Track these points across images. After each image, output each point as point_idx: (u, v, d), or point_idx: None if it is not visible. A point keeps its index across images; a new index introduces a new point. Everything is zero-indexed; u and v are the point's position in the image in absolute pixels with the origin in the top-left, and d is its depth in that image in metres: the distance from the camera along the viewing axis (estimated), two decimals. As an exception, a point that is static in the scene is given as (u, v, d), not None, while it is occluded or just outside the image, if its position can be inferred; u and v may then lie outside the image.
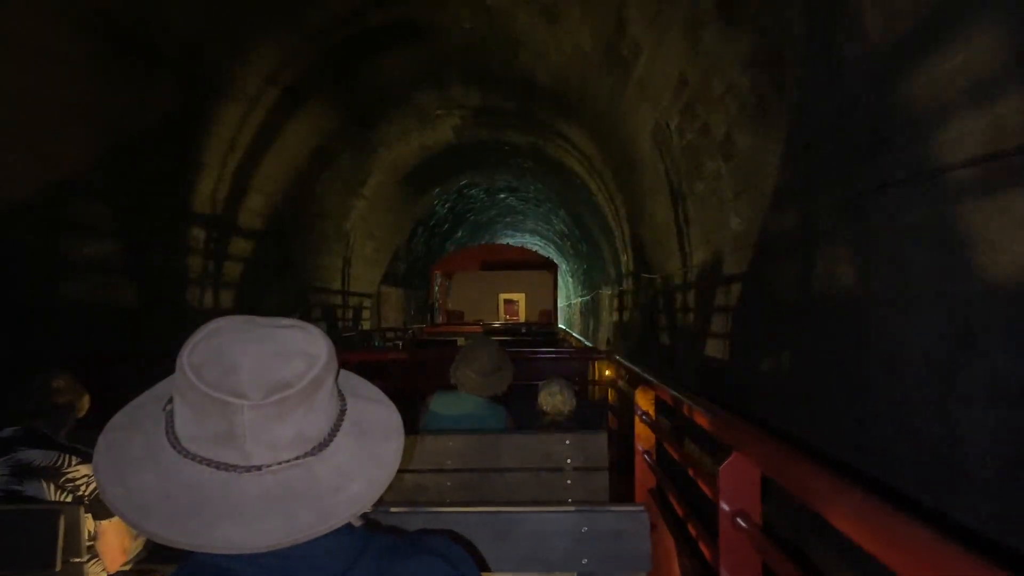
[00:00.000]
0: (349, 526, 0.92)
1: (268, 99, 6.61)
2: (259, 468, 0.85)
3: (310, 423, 0.89)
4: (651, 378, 2.82)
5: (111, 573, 2.46)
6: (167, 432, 0.89)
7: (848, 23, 2.86)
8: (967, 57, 2.22)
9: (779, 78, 3.62)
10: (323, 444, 0.91)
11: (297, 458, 0.88)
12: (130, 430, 0.92)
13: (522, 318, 19.92)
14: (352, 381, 1.08)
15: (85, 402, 2.73)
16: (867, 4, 2.71)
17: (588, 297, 15.12)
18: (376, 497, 0.92)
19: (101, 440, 0.91)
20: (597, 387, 6.19)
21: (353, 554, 0.91)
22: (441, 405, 3.33)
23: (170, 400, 0.91)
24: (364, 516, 0.94)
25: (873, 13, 2.68)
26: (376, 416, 1.01)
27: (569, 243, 17.39)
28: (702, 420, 2.02)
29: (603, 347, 11.15)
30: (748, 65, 3.90)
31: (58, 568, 2.19)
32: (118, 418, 0.96)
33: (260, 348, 0.88)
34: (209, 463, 0.85)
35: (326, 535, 0.87)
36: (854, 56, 2.88)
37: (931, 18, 2.39)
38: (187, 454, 0.86)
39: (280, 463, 0.87)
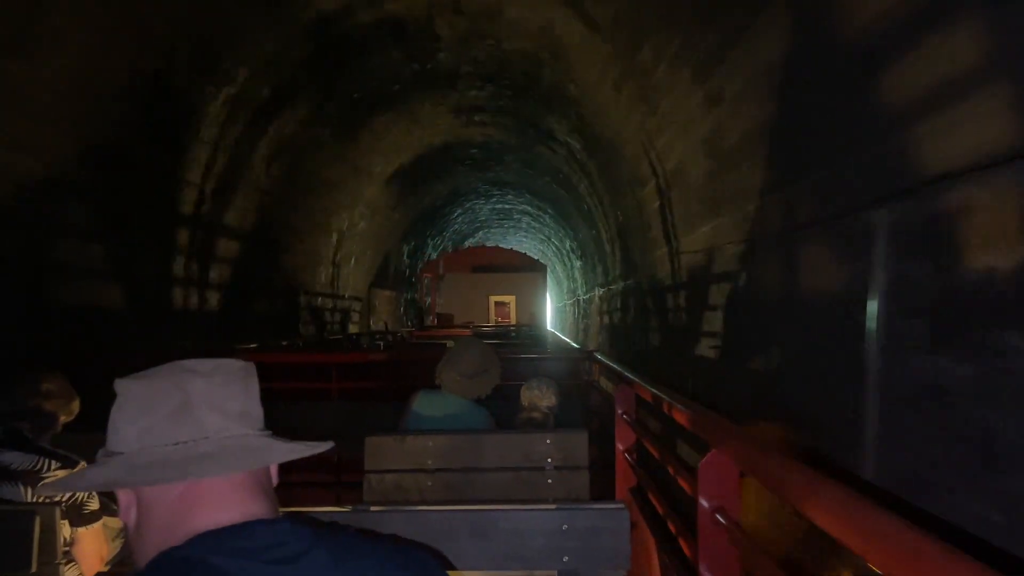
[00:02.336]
0: (307, 518, 0.99)
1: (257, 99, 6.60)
2: (216, 437, 0.95)
3: (251, 407, 1.02)
4: (632, 376, 2.83)
5: None
6: (111, 454, 0.97)
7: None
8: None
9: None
10: (264, 429, 1.03)
11: (246, 434, 0.99)
12: (82, 471, 1.04)
13: (513, 320, 19.95)
14: None
15: (75, 406, 2.69)
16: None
17: (582, 298, 15.15)
18: (328, 447, 1.03)
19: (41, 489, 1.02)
20: (579, 386, 6.20)
21: (308, 544, 0.92)
22: (424, 405, 3.30)
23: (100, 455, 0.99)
24: (337, 517, 0.98)
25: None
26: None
27: (561, 245, 17.42)
28: (681, 418, 2.02)
29: (595, 348, 11.18)
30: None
31: (33, 569, 2.16)
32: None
33: (191, 360, 1.02)
34: (167, 444, 0.93)
35: (284, 521, 0.94)
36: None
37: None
38: (136, 451, 0.94)
39: (230, 435, 0.97)
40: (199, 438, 0.94)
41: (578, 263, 15.29)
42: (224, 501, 0.93)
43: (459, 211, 17.26)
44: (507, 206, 17.04)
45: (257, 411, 1.03)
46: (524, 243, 22.41)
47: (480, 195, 15.78)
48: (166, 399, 0.95)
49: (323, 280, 10.50)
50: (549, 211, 15.05)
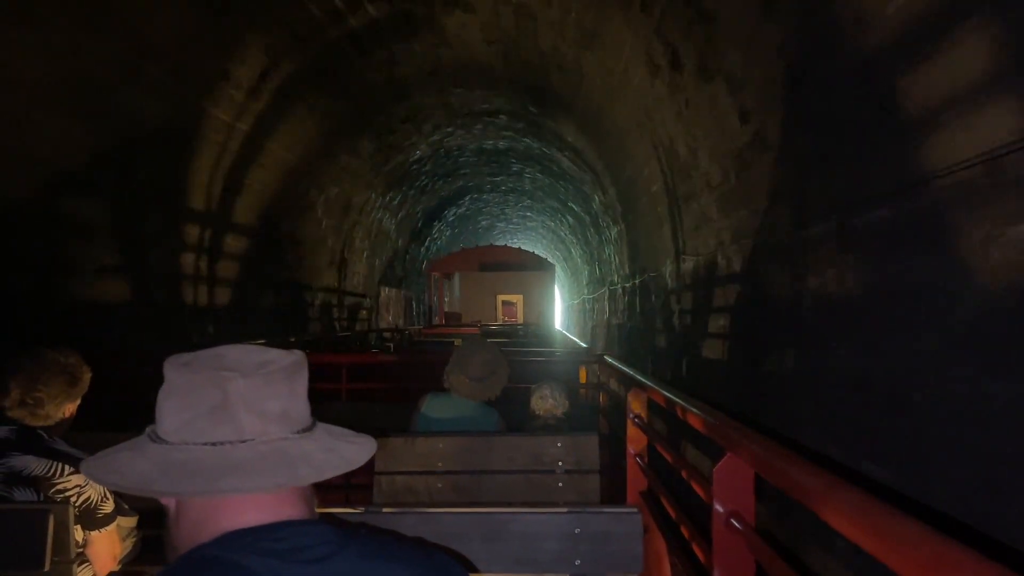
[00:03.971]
0: (335, 519, 0.99)
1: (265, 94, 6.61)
2: (252, 440, 0.93)
3: (294, 406, 0.99)
4: (644, 380, 2.82)
5: None
6: (151, 439, 0.96)
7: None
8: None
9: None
10: (306, 429, 1.00)
11: (283, 436, 0.96)
12: (115, 453, 0.98)
13: (521, 319, 19.93)
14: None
15: (83, 382, 2.50)
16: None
17: (590, 298, 15.13)
18: (365, 459, 1.02)
19: (84, 467, 0.98)
20: (589, 389, 6.19)
21: (337, 545, 0.93)
22: (433, 408, 3.30)
23: (144, 432, 0.98)
24: (349, 518, 0.97)
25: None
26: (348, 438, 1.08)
27: (569, 244, 17.40)
28: (696, 422, 2.02)
29: (603, 348, 11.16)
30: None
31: (46, 568, 2.17)
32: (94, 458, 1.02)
33: (240, 348, 1.01)
34: (204, 443, 0.92)
35: (315, 523, 0.95)
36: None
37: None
38: (176, 443, 0.93)
39: (269, 439, 0.95)
40: (236, 440, 0.93)
41: (586, 263, 15.29)
42: (257, 501, 0.94)
43: (468, 209, 17.28)
44: (516, 204, 17.05)
45: (300, 409, 1.00)
46: (532, 242, 22.43)
47: (489, 193, 15.79)
48: (205, 396, 0.93)
49: (331, 277, 10.51)
50: (557, 209, 15.05)
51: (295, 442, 0.97)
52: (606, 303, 11.44)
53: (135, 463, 0.93)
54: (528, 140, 10.56)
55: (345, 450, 1.01)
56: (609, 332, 11.22)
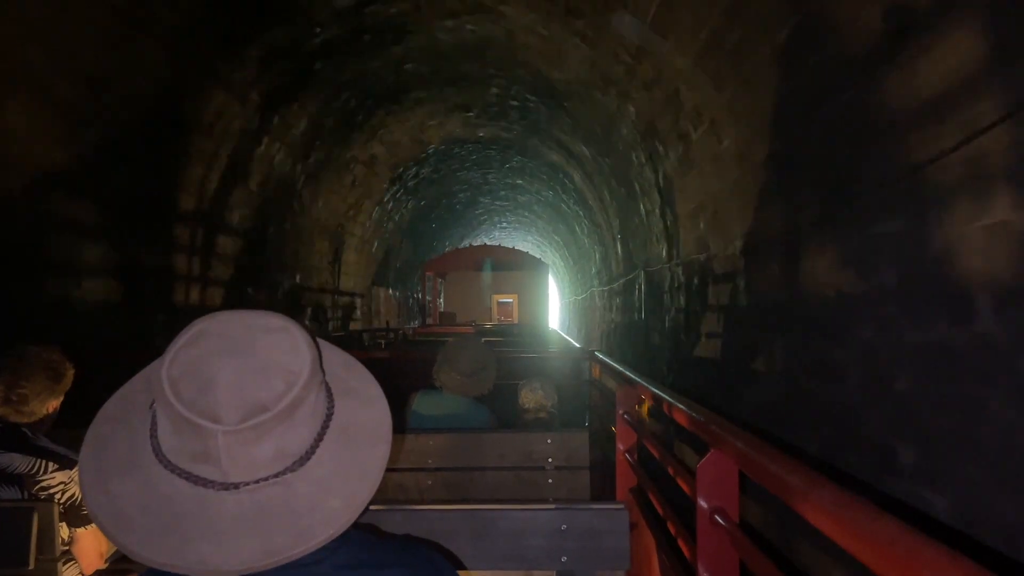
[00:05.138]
0: None
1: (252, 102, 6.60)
2: (236, 486, 0.84)
3: (290, 440, 0.88)
4: (633, 376, 2.82)
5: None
6: (151, 435, 0.88)
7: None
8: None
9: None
10: (304, 458, 0.89)
11: (276, 475, 0.86)
12: (119, 423, 0.92)
13: (516, 319, 19.94)
14: (339, 366, 1.04)
15: (67, 379, 2.49)
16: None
17: (583, 296, 15.14)
18: (354, 517, 0.90)
19: (90, 433, 0.91)
20: (579, 386, 6.18)
21: (325, 551, 0.89)
22: (424, 405, 3.29)
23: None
24: None
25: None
26: (364, 419, 0.98)
27: (565, 243, 17.41)
28: (681, 418, 2.02)
29: (597, 346, 11.16)
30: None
31: (31, 567, 2.16)
32: (110, 406, 0.96)
33: (238, 363, 0.85)
34: (188, 477, 0.85)
35: None
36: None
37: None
38: (167, 465, 0.86)
39: (258, 481, 0.85)
40: (219, 483, 0.84)
41: (578, 261, 15.29)
42: None
43: (463, 209, 17.26)
44: (511, 203, 17.04)
45: (300, 436, 0.89)
46: (527, 242, 22.41)
47: (484, 193, 15.78)
48: (188, 439, 0.84)
49: (325, 277, 10.50)
50: (551, 209, 15.04)
51: (285, 487, 0.87)
52: (604, 299, 11.42)
53: (126, 478, 0.86)
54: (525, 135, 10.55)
55: (346, 485, 0.91)
56: (607, 328, 11.22)
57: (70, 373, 2.52)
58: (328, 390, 0.97)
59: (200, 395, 0.82)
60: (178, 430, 0.83)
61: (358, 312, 12.46)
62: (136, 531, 0.82)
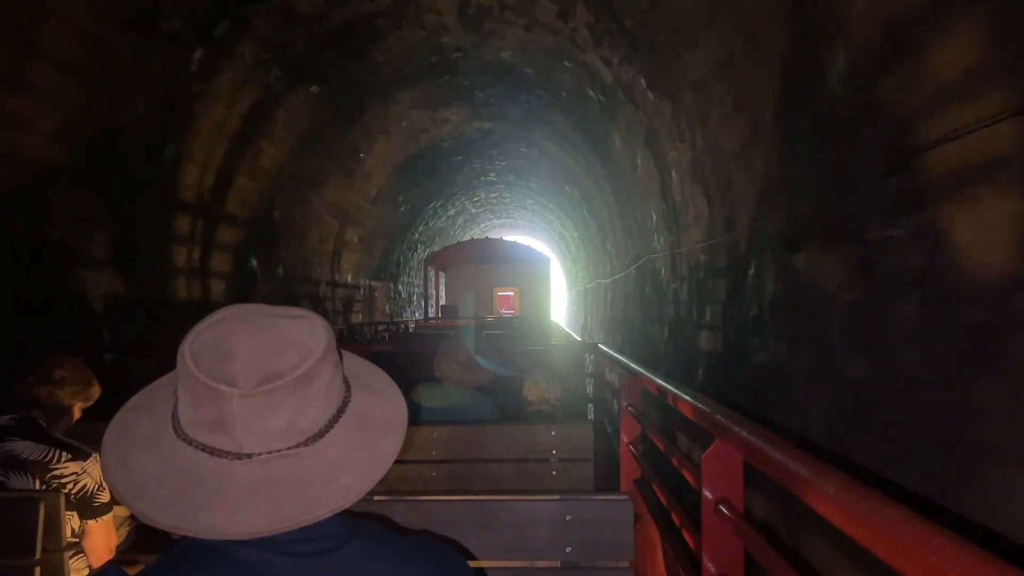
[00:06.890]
0: (348, 513, 0.93)
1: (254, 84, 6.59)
2: (249, 456, 0.87)
3: (304, 414, 0.90)
4: (638, 368, 2.82)
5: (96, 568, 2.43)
6: (173, 414, 0.92)
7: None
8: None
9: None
10: (317, 436, 0.91)
11: (288, 448, 0.89)
12: (143, 411, 0.96)
13: (517, 312, 19.93)
14: (361, 370, 1.08)
15: (93, 392, 2.63)
16: None
17: (586, 288, 15.13)
18: (365, 491, 0.92)
19: (115, 419, 0.95)
20: (583, 378, 6.18)
21: (340, 539, 0.91)
22: (426, 398, 3.30)
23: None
24: (350, 509, 0.93)
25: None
26: (380, 410, 1.01)
27: (567, 235, 17.39)
28: (686, 409, 2.02)
29: (599, 339, 11.15)
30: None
31: (37, 556, 2.16)
32: (137, 398, 1.00)
33: (257, 338, 0.89)
34: (204, 448, 0.88)
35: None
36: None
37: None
38: (185, 438, 0.89)
39: (271, 452, 0.88)
40: (234, 453, 0.87)
41: (582, 254, 15.27)
42: None
43: (464, 201, 17.23)
44: (513, 197, 17.02)
45: (312, 415, 0.91)
46: (529, 235, 22.40)
47: (485, 186, 15.75)
48: (204, 408, 0.87)
49: (324, 270, 10.49)
50: (553, 201, 15.02)
51: (297, 460, 0.89)
52: (607, 292, 11.35)
53: (144, 452, 0.89)
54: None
55: (357, 466, 0.93)
56: (609, 321, 11.16)
57: (97, 390, 2.64)
58: (347, 382, 1.00)
59: (218, 364, 0.86)
60: (196, 399, 0.87)
61: (359, 305, 12.44)
62: (150, 498, 0.85)
